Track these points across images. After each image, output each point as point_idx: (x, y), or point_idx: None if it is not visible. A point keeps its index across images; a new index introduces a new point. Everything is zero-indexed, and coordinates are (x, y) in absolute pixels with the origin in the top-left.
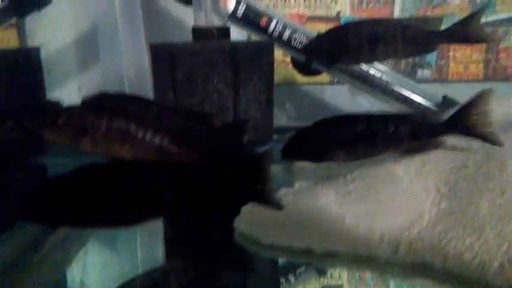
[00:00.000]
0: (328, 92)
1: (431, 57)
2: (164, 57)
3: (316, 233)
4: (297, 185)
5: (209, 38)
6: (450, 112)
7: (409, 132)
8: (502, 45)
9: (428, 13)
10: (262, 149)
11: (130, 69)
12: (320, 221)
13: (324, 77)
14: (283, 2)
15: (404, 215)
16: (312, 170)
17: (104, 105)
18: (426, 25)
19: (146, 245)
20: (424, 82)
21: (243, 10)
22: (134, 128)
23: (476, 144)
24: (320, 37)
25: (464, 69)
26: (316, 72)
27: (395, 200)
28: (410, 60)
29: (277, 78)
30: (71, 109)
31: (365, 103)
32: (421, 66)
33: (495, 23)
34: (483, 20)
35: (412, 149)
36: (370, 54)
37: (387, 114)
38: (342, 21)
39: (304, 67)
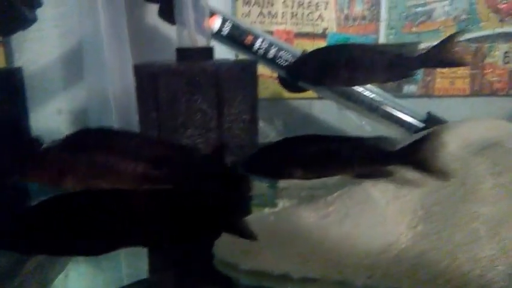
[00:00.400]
0: (317, 107)
1: (419, 73)
2: (148, 77)
3: (293, 258)
4: (279, 205)
5: (193, 58)
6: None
7: (362, 158)
8: (487, 61)
9: (414, 29)
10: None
11: (116, 88)
12: (298, 245)
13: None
14: (270, 18)
15: (381, 239)
16: (296, 189)
17: (84, 141)
18: (403, 50)
19: (131, 265)
20: (410, 97)
21: (228, 29)
22: (115, 165)
23: (452, 166)
24: (302, 58)
25: (450, 85)
26: (302, 90)
27: (373, 223)
28: None
29: (265, 93)
30: (50, 151)
31: (353, 118)
32: (408, 82)
33: (480, 39)
34: (468, 36)
35: (364, 174)
36: (349, 77)
37: (345, 138)
38: (329, 38)
39: (290, 84)
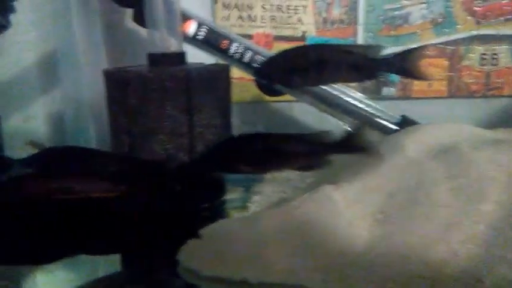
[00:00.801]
0: (297, 109)
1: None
2: (117, 82)
3: (252, 264)
4: (251, 210)
5: (164, 63)
6: None
7: (304, 150)
8: (464, 63)
9: (391, 32)
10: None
11: (92, 93)
12: (258, 250)
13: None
14: (249, 22)
15: (339, 242)
16: (269, 193)
17: (50, 162)
18: (368, 52)
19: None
20: (389, 99)
21: (203, 33)
22: (78, 185)
23: (410, 170)
24: (271, 59)
25: (428, 87)
26: (279, 93)
27: (331, 227)
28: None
29: (246, 96)
30: (10, 180)
31: (332, 119)
32: (387, 84)
33: (456, 42)
34: (445, 39)
35: (306, 165)
36: (317, 77)
37: (288, 134)
38: (308, 41)
39: (267, 88)
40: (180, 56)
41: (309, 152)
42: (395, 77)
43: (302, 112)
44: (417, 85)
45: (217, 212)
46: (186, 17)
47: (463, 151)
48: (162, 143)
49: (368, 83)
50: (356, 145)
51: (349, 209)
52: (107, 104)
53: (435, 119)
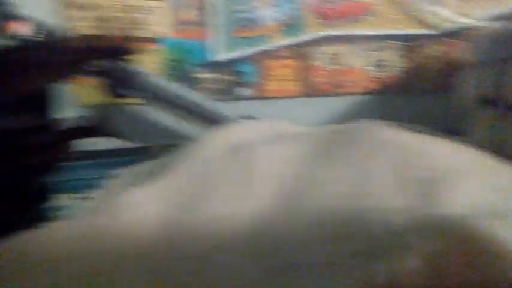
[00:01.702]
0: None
1: (251, 76)
2: None
3: (30, 273)
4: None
5: None
6: None
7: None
8: (313, 64)
9: (244, 34)
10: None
11: None
12: (48, 260)
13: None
14: (100, 22)
15: (124, 247)
16: (107, 196)
17: None
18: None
19: None
20: (244, 100)
21: (40, 35)
22: None
23: (198, 169)
24: None
25: (281, 87)
26: (125, 95)
27: (122, 230)
28: (232, 78)
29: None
30: None
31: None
32: (242, 85)
33: (306, 43)
34: (294, 40)
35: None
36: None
37: None
38: (161, 43)
39: (111, 90)
40: None
41: (51, 141)
42: (251, 78)
43: (158, 113)
44: (270, 85)
45: (35, 222)
46: (19, 18)
47: (251, 148)
48: None
49: (224, 84)
50: (100, 128)
51: (143, 211)
52: None
53: (288, 118)
